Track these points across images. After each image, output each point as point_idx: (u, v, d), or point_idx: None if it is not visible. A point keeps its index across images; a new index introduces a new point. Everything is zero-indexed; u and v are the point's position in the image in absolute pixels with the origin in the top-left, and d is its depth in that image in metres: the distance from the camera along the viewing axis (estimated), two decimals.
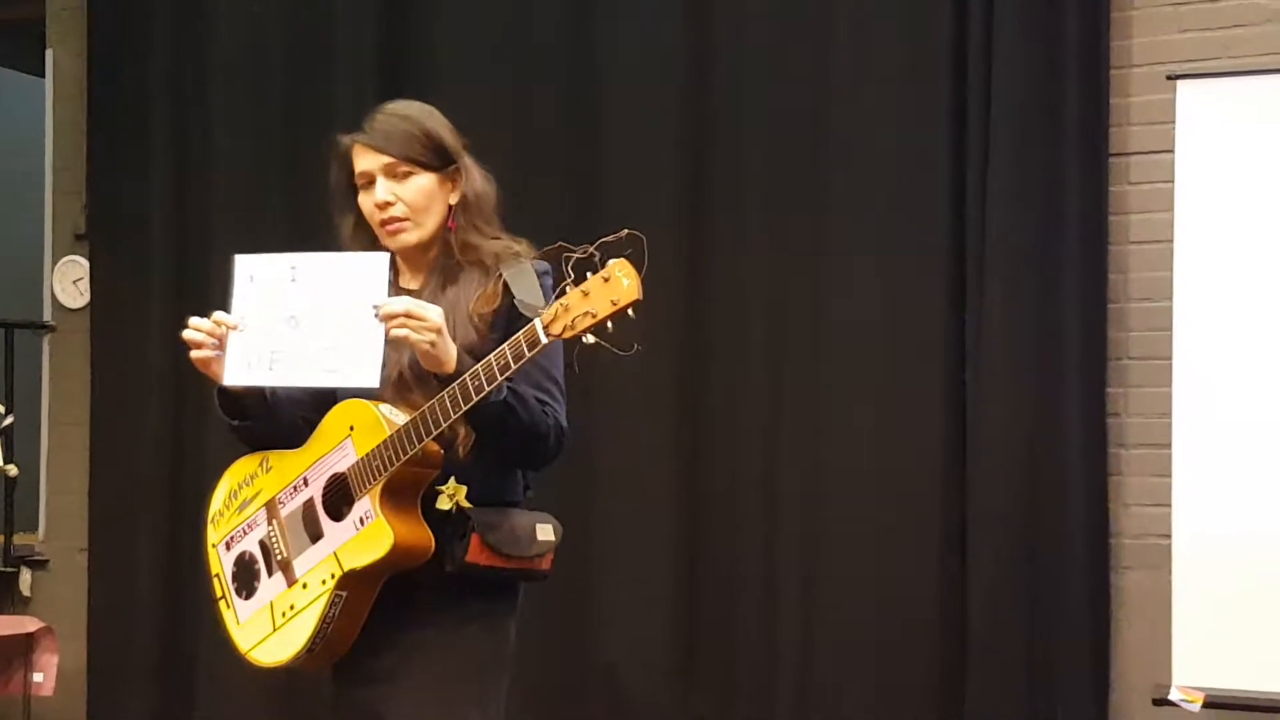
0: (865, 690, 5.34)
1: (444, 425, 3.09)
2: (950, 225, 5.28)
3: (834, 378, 5.44)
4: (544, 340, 2.98)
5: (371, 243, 3.35)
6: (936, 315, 5.30)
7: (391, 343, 3.17)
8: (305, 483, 3.30)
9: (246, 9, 6.21)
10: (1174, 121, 4.90)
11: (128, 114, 6.40)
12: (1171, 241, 4.90)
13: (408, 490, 3.20)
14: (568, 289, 2.96)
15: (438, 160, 3.30)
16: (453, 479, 3.19)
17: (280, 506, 3.34)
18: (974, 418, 5.23)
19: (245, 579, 3.38)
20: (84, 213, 6.55)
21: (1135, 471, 5.16)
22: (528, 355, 3.00)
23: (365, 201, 3.32)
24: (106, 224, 6.49)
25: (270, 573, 3.34)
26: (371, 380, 3.12)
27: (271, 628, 3.32)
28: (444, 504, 3.19)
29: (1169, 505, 4.87)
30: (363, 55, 6.07)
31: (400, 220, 3.29)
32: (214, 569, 3.43)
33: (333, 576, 3.21)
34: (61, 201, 6.63)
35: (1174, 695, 4.74)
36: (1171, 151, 4.91)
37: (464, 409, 3.06)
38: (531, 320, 3.01)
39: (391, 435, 3.14)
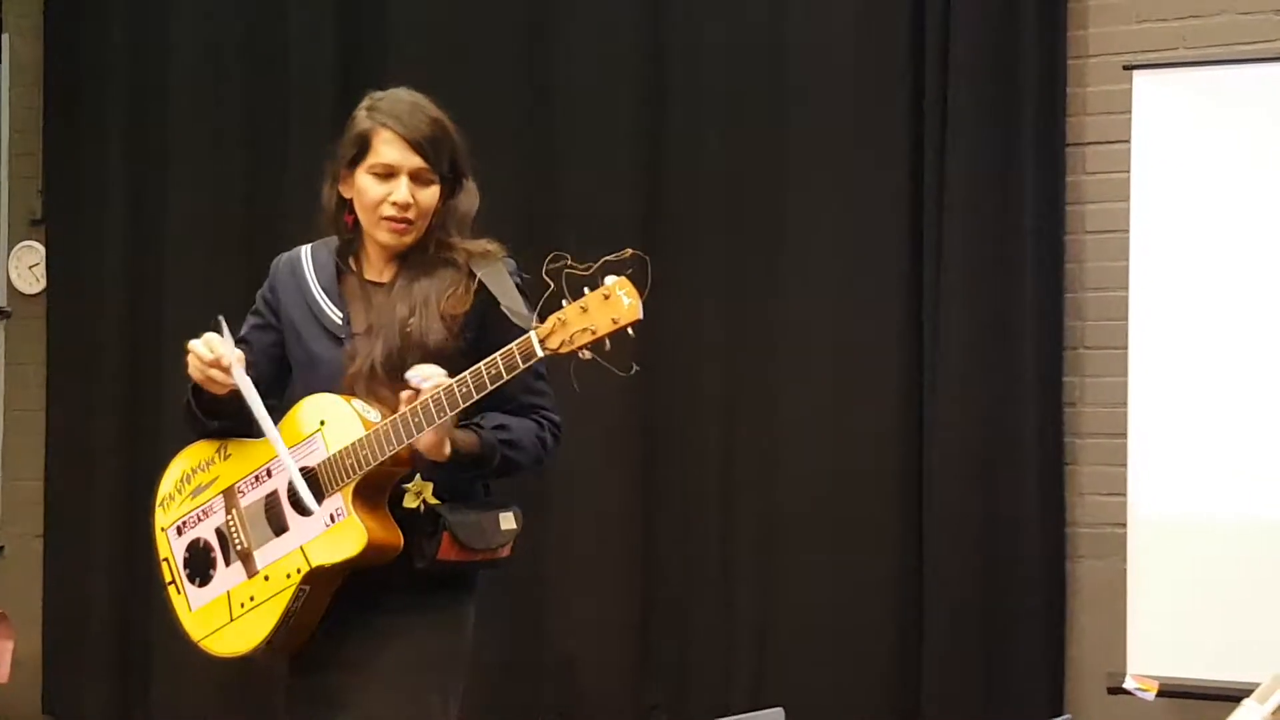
0: (821, 680, 5.34)
1: (427, 429, 3.08)
2: (907, 215, 5.29)
3: (790, 370, 5.45)
4: (539, 354, 2.99)
5: (350, 224, 3.33)
6: (893, 306, 5.31)
7: (363, 335, 3.22)
8: (268, 473, 3.28)
9: None
10: (1130, 111, 4.91)
11: (84, 99, 6.37)
12: (1127, 231, 4.91)
13: (378, 488, 3.19)
14: (564, 303, 2.96)
15: (450, 172, 3.29)
16: (418, 476, 3.19)
17: (239, 495, 3.31)
18: (930, 407, 5.24)
19: (199, 566, 3.35)
20: (40, 198, 6.51)
21: (1091, 461, 5.18)
22: (521, 368, 3.02)
23: (374, 189, 3.25)
24: (63, 209, 6.45)
25: (228, 562, 3.31)
26: None
27: (228, 618, 3.29)
28: (411, 502, 3.19)
29: (1124, 494, 4.89)
30: (321, 44, 6.04)
31: (411, 223, 3.26)
32: (163, 553, 3.41)
33: (298, 571, 3.20)
34: (17, 186, 6.58)
35: (1128, 684, 4.75)
36: (1128, 142, 4.92)
37: (449, 415, 3.06)
38: (526, 331, 3.01)
39: (369, 434, 3.13)
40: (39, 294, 6.51)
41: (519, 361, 3.01)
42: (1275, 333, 4.71)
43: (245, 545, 3.28)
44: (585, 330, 2.95)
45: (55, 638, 6.38)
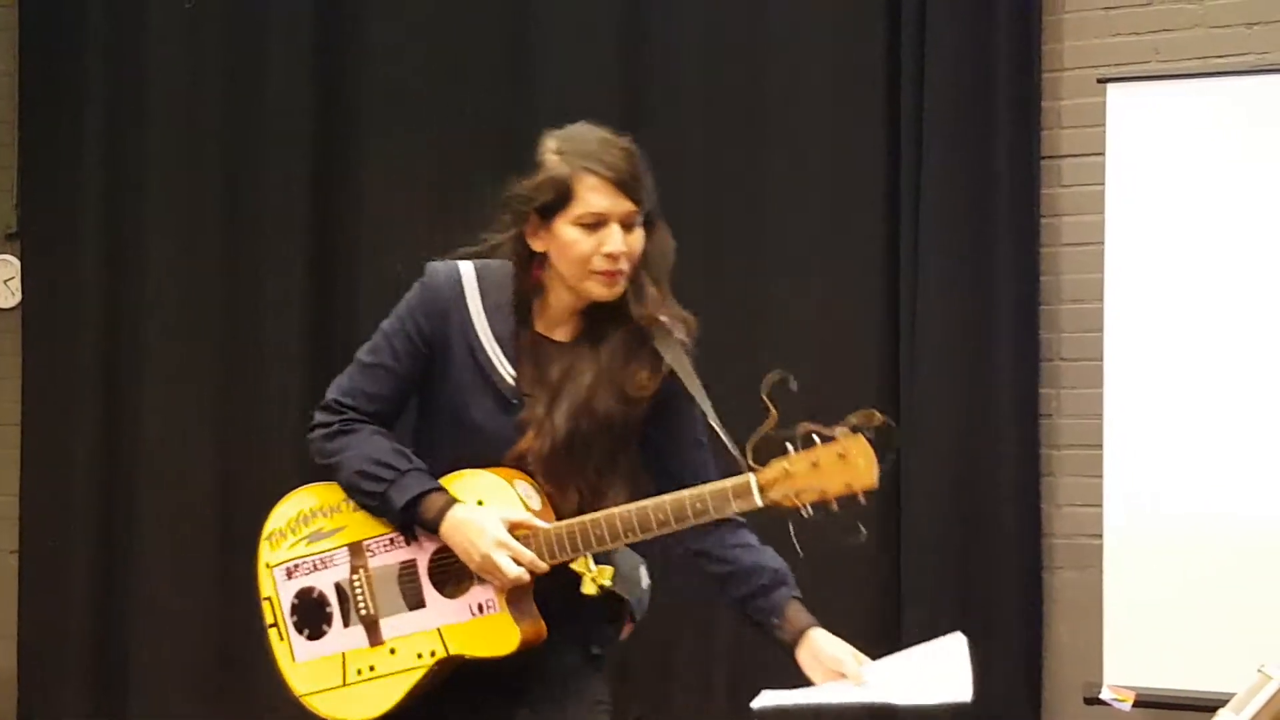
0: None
1: (609, 546, 2.91)
2: (883, 228, 5.30)
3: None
4: (758, 504, 2.81)
5: (538, 279, 3.02)
6: (870, 318, 5.32)
7: (539, 403, 2.97)
8: (405, 540, 3.04)
9: (180, 6, 6.16)
10: (1105, 124, 4.93)
11: (60, 112, 6.34)
12: (1102, 244, 4.92)
13: (530, 582, 2.97)
14: (789, 449, 2.80)
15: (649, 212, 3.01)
16: (590, 559, 2.94)
17: (369, 554, 3.07)
18: (908, 419, 5.24)
19: (310, 618, 3.12)
20: (15, 211, 6.48)
21: (1067, 472, 5.19)
22: (734, 511, 2.82)
23: (584, 241, 2.92)
24: (38, 223, 6.42)
25: (347, 623, 3.08)
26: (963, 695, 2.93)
27: (341, 681, 3.08)
28: (589, 589, 2.96)
29: (1100, 506, 4.90)
30: (300, 51, 6.03)
31: (623, 272, 2.96)
32: (265, 591, 3.17)
33: (433, 655, 3.00)
34: None
35: (1105, 694, 4.76)
36: (1102, 154, 4.94)
37: (638, 538, 2.89)
38: (745, 475, 2.82)
39: (541, 535, 2.92)
40: (14, 308, 6.48)
41: (731, 505, 2.81)
42: (1250, 343, 4.73)
43: (371, 611, 3.05)
44: (813, 489, 2.77)
45: (31, 653, 6.34)
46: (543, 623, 2.98)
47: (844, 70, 5.39)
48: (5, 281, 6.50)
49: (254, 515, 6.03)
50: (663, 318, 3.00)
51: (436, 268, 3.06)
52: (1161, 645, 4.75)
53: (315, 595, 3.11)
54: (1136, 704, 4.72)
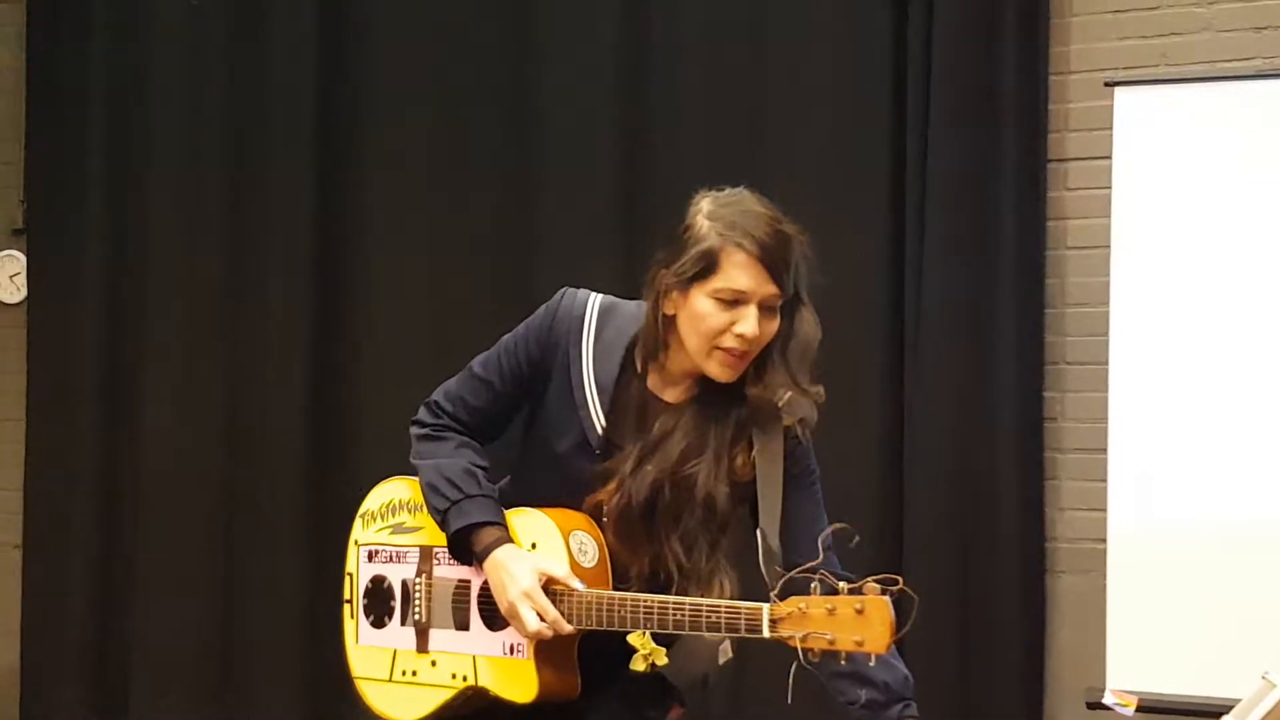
0: (799, 696, 5.33)
1: (626, 630, 2.84)
2: (888, 229, 5.30)
3: None
4: (765, 635, 2.70)
5: (668, 344, 2.92)
6: (873, 319, 5.31)
7: (628, 458, 2.91)
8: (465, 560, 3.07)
9: (185, 4, 6.16)
10: (1112, 128, 4.92)
11: (66, 108, 6.35)
12: (1108, 247, 4.91)
13: (568, 638, 2.94)
14: (813, 588, 2.69)
15: (792, 295, 2.91)
16: (649, 636, 2.86)
17: (435, 563, 3.09)
18: (910, 421, 5.24)
19: (376, 606, 3.17)
20: (21, 207, 6.49)
21: (1071, 476, 5.18)
22: (742, 635, 2.74)
23: (716, 317, 2.82)
24: (44, 219, 6.42)
25: (403, 621, 3.12)
26: None
27: (387, 676, 3.14)
28: (639, 665, 2.87)
29: (1104, 510, 4.89)
30: (303, 54, 6.03)
31: (748, 358, 2.86)
32: (349, 567, 3.21)
33: (464, 680, 3.03)
34: None
35: (1108, 699, 4.75)
36: (1109, 158, 4.93)
37: (653, 630, 2.81)
38: (760, 606, 2.71)
39: (575, 597, 2.87)
40: (19, 304, 6.49)
41: (742, 627, 2.72)
42: (1257, 348, 4.72)
43: (424, 619, 3.08)
44: (823, 636, 2.66)
45: (33, 648, 6.35)
46: (575, 681, 2.96)
47: (850, 71, 5.38)
48: (11, 277, 6.51)
49: (256, 512, 6.10)
50: (780, 404, 2.88)
51: (568, 294, 3.02)
52: (1165, 650, 4.74)
53: (385, 586, 3.15)
54: (1139, 709, 4.72)
